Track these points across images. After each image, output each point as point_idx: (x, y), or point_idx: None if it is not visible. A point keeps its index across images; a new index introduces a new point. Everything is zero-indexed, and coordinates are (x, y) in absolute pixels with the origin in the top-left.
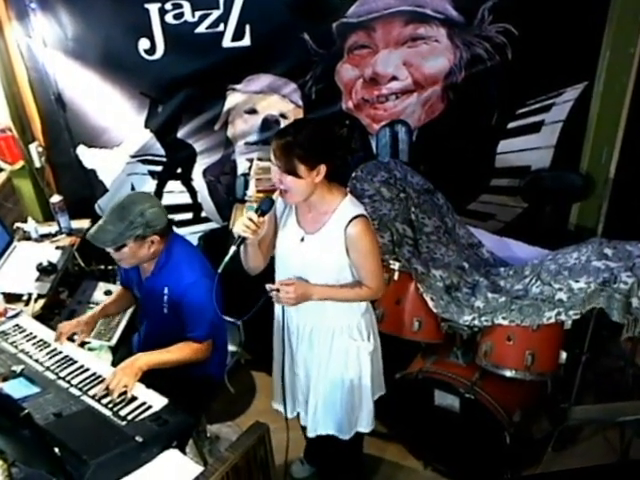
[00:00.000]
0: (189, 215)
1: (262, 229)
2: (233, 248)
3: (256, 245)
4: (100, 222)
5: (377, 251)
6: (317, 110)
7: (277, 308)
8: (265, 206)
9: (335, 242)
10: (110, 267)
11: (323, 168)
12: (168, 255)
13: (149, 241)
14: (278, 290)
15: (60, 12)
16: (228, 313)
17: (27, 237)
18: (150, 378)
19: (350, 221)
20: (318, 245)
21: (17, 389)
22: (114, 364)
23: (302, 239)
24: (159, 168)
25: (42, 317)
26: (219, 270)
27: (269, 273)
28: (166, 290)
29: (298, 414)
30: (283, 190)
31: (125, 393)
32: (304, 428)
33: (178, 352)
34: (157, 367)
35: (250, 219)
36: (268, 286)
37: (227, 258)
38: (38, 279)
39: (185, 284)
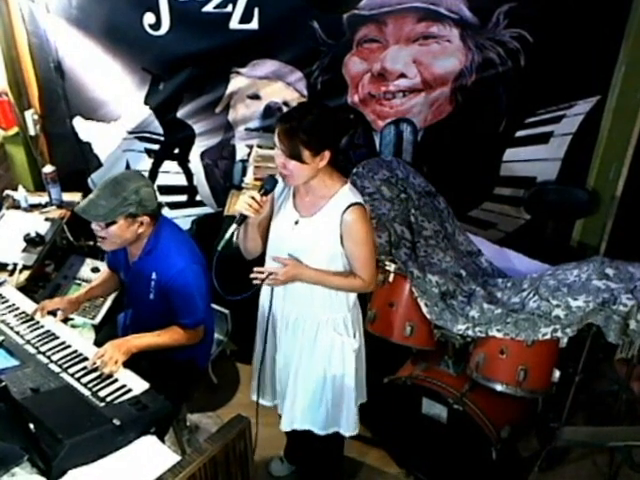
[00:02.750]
0: (183, 197)
1: (264, 208)
2: (234, 226)
3: (256, 226)
4: (92, 196)
5: (372, 242)
6: (322, 101)
7: (263, 296)
8: (269, 185)
9: (330, 228)
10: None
11: (327, 154)
12: (157, 239)
13: (139, 221)
14: (270, 273)
15: None
16: (216, 300)
17: (16, 206)
18: (133, 360)
19: (347, 208)
20: (312, 229)
21: None
22: (96, 343)
23: (296, 222)
24: (156, 147)
25: (26, 289)
26: (218, 248)
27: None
28: (154, 275)
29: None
30: (286, 174)
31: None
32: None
33: (169, 336)
34: (147, 350)
35: (253, 197)
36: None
37: (227, 235)
38: (25, 250)
39: (175, 271)
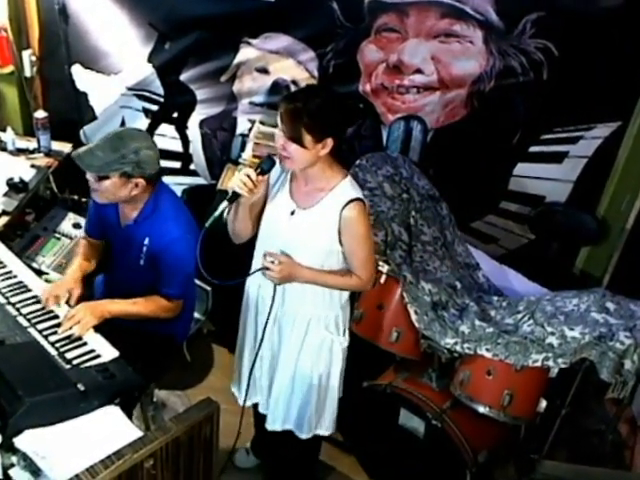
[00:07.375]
0: (177, 164)
1: (259, 189)
2: (225, 203)
3: (247, 207)
4: (91, 145)
5: (371, 239)
6: (332, 86)
7: (250, 282)
8: (266, 165)
9: (327, 222)
10: (84, 199)
11: (330, 142)
12: (155, 206)
13: (134, 182)
14: (268, 268)
15: None
16: (198, 276)
17: (2, 147)
18: (107, 326)
19: (347, 203)
20: (309, 222)
21: None
22: (69, 302)
23: (292, 212)
24: (155, 107)
25: (2, 235)
26: (207, 224)
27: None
28: (147, 241)
29: (255, 404)
30: (285, 156)
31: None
32: (257, 416)
33: (145, 306)
34: (121, 317)
35: (248, 176)
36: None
37: (217, 213)
38: (6, 194)
39: (168, 238)
